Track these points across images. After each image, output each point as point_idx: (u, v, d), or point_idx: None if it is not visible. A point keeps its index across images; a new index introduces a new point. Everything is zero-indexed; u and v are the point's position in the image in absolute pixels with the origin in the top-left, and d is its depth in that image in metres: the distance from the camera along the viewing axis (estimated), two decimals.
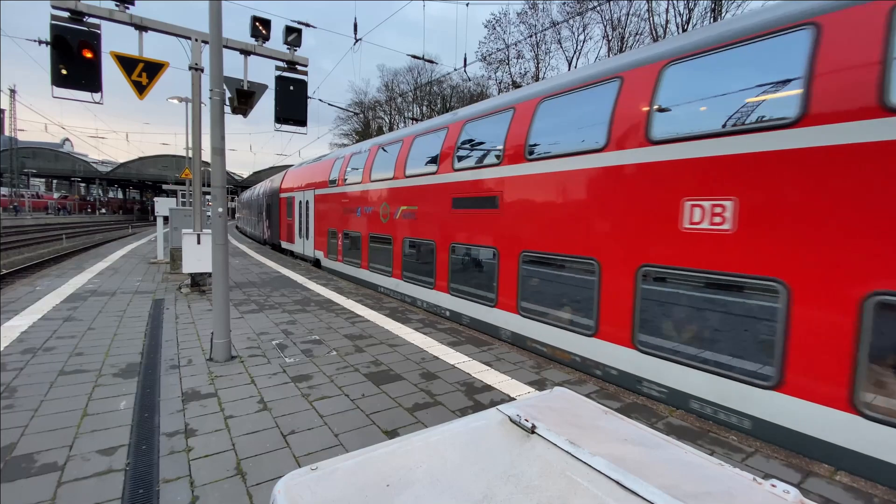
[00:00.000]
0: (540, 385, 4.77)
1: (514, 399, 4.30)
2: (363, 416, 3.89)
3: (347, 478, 1.19)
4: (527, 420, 1.45)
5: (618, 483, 1.12)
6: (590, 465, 1.20)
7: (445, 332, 6.70)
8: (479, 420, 1.53)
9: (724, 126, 4.15)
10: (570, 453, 1.27)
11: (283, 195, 18.75)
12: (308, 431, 3.60)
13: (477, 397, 4.39)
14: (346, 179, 12.32)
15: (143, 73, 7.40)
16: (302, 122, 7.89)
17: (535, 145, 6.23)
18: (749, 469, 3.21)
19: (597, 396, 4.48)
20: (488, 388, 4.64)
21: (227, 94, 7.47)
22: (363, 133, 49.11)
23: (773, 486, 1.15)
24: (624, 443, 1.39)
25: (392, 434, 3.60)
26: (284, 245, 18.68)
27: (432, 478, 1.20)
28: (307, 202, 15.25)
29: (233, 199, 51.41)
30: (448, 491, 1.15)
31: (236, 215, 47.35)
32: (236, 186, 58.74)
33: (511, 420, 1.49)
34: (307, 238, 15.51)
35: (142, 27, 7.58)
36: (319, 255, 14.45)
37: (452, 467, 1.25)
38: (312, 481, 1.18)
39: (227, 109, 7.40)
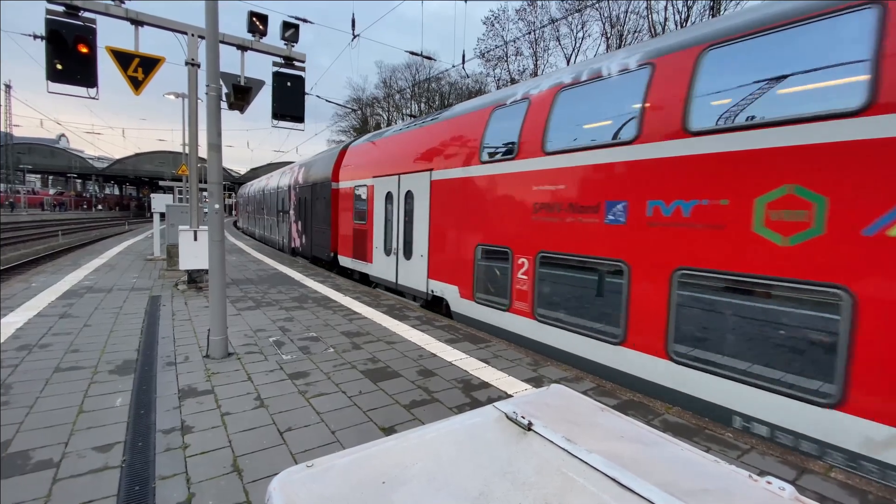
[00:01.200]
0: (537, 382, 4.77)
1: (510, 396, 4.31)
2: (360, 413, 3.89)
3: (343, 475, 1.19)
4: (523, 417, 1.44)
5: (614, 480, 1.12)
6: (586, 463, 1.20)
7: (443, 329, 6.70)
8: (475, 417, 1.53)
9: None
10: (566, 450, 1.27)
11: (342, 185, 12.32)
12: (305, 428, 3.60)
13: (474, 394, 4.40)
14: (547, 144, 5.80)
15: (138, 68, 7.35)
16: (299, 118, 7.87)
17: None
18: (745, 466, 3.22)
19: (593, 394, 4.49)
20: (485, 385, 4.64)
21: (224, 90, 7.44)
22: (361, 130, 48.97)
23: (769, 483, 1.15)
24: (620, 440, 1.39)
25: (389, 431, 3.60)
26: (345, 262, 12.20)
27: (428, 475, 1.20)
28: (408, 195, 8.87)
29: (230, 196, 51.24)
30: (444, 488, 1.15)
31: (233, 212, 47.05)
32: (233, 183, 58.56)
33: (508, 417, 1.49)
34: (406, 256, 9.01)
35: (137, 22, 7.52)
36: (448, 291, 7.72)
37: (449, 464, 1.25)
38: (308, 478, 1.17)
39: (224, 105, 7.37)
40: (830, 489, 2.99)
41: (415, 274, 8.68)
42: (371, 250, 10.54)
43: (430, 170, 8.17)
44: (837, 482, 3.06)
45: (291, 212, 17.27)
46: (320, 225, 13.69)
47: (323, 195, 13.35)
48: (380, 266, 10.19)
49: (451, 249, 7.66)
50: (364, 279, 11.34)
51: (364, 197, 10.90)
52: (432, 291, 8.22)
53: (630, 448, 1.33)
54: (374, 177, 10.34)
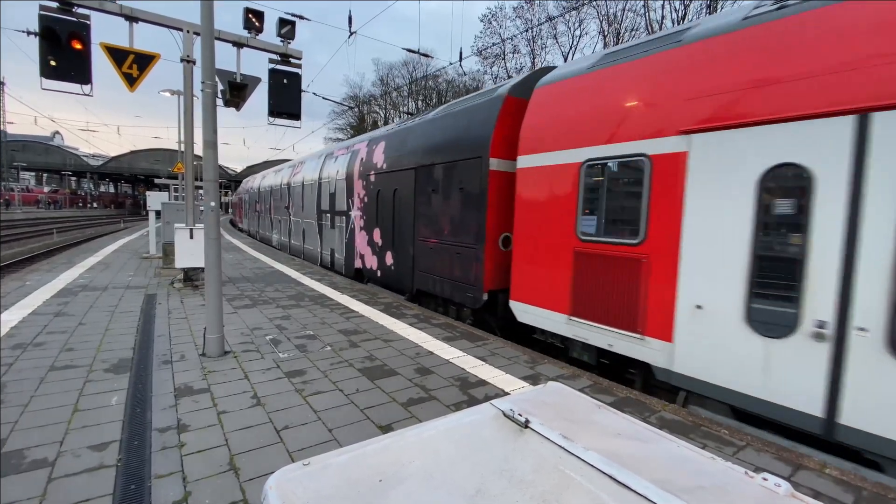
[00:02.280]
0: (534, 380, 4.78)
1: (508, 394, 4.32)
2: (357, 411, 3.89)
3: (340, 473, 1.19)
4: (520, 415, 1.44)
5: (611, 477, 1.12)
6: (583, 460, 1.20)
7: (440, 327, 6.69)
8: (472, 415, 1.52)
9: None
10: (563, 448, 1.27)
11: (531, 162, 5.85)
12: (302, 426, 3.59)
13: (471, 392, 4.40)
14: None
15: (133, 65, 7.30)
16: (296, 115, 7.84)
17: None
18: (740, 462, 3.24)
19: (590, 391, 4.51)
20: (483, 382, 4.65)
21: (220, 87, 7.40)
22: (358, 128, 48.88)
23: (765, 479, 1.16)
24: (617, 437, 1.39)
25: (386, 429, 3.60)
26: (544, 319, 5.76)
27: (425, 473, 1.20)
28: None
29: (226, 193, 51.00)
30: (441, 486, 1.14)
31: (229, 210, 46.78)
32: (230, 181, 58.36)
33: (505, 415, 1.49)
34: None
35: (132, 18, 7.46)
36: None
37: (446, 462, 1.25)
38: (305, 477, 1.17)
39: (220, 102, 7.33)
40: (826, 485, 3.01)
41: None
42: (666, 309, 4.47)
43: None
44: (833, 478, 3.08)
45: (355, 213, 11.32)
46: (451, 238, 7.57)
47: (458, 184, 7.35)
48: (712, 356, 4.09)
49: None
50: (611, 371, 5.51)
51: (634, 183, 4.81)
52: None
53: (627, 445, 1.34)
54: (683, 132, 4.28)
